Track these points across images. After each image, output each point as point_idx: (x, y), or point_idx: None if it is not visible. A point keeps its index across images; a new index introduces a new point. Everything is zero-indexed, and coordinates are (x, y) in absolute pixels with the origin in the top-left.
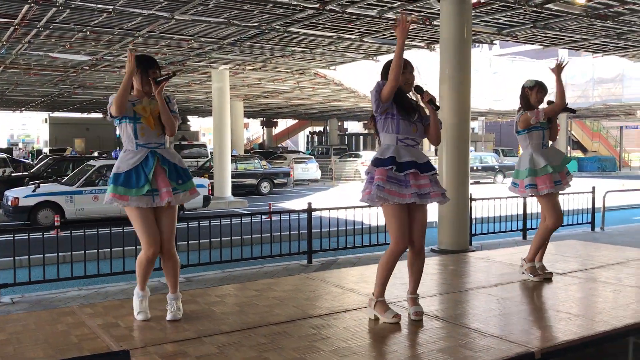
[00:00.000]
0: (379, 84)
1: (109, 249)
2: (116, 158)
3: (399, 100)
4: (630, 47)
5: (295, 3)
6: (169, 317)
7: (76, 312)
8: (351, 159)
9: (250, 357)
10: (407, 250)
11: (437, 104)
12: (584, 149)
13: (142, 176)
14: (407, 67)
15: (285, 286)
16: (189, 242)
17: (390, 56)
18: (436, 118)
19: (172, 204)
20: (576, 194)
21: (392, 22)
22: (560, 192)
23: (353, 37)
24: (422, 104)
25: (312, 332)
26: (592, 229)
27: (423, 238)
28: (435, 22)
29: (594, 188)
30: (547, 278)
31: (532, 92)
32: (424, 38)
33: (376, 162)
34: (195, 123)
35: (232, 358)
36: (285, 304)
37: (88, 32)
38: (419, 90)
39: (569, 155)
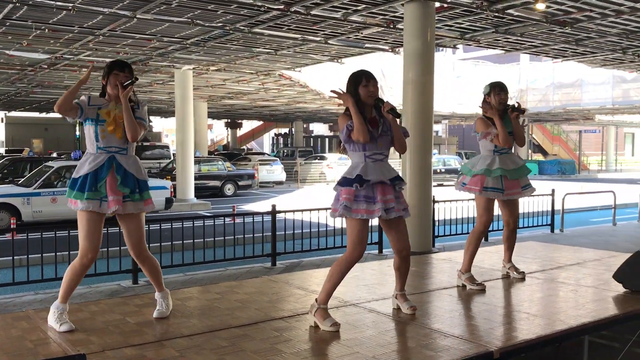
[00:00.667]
0: (348, 127)
1: (67, 252)
2: (76, 159)
3: (363, 116)
4: (587, 53)
5: (259, 4)
6: (155, 314)
7: (31, 316)
8: (316, 161)
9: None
10: (395, 255)
11: (398, 112)
12: (544, 152)
13: (95, 182)
14: (370, 80)
15: (248, 288)
16: (150, 244)
17: (355, 59)
18: (398, 126)
19: (119, 212)
20: (536, 197)
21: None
22: (497, 198)
23: (318, 39)
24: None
25: (274, 335)
26: (552, 231)
27: (408, 245)
28: (399, 26)
29: (553, 191)
30: (522, 277)
31: (490, 97)
32: (388, 41)
33: (343, 182)
34: (157, 124)
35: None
36: (247, 306)
37: (47, 30)
38: (379, 101)
39: (526, 165)
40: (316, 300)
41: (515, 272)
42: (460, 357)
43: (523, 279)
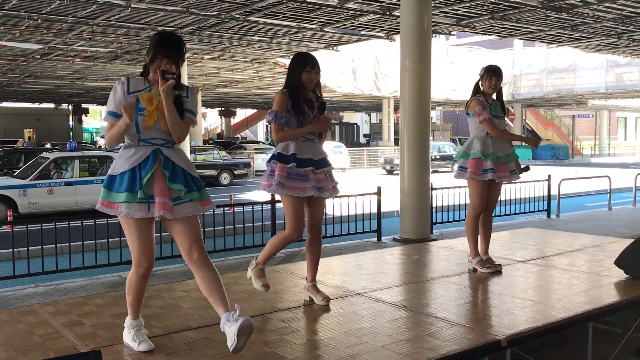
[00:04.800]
0: (275, 115)
1: (67, 244)
2: (71, 150)
3: (298, 99)
4: (583, 39)
5: None
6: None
7: (37, 310)
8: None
9: (220, 353)
10: (307, 234)
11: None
12: (538, 138)
13: (137, 180)
14: (314, 67)
15: None
16: None
17: (350, 46)
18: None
19: (168, 218)
20: (532, 182)
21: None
22: (491, 181)
23: (314, 26)
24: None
25: (282, 326)
26: (548, 216)
27: (321, 223)
28: (395, 13)
29: (549, 176)
30: (498, 270)
31: (483, 79)
32: (384, 28)
33: (279, 157)
34: None
35: (202, 354)
36: (253, 297)
37: (40, 20)
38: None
39: (514, 152)
40: (255, 258)
41: (490, 265)
42: (469, 345)
43: (500, 272)
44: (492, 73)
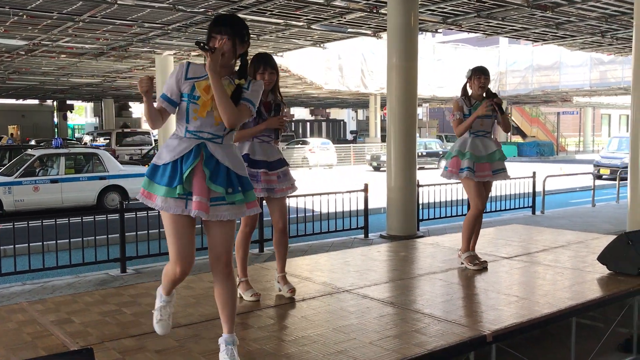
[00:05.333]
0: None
1: (54, 242)
2: (57, 147)
3: None
4: (567, 37)
5: None
6: None
7: (26, 308)
8: (299, 145)
9: (210, 350)
10: (275, 231)
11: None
12: (523, 134)
13: (178, 174)
14: (267, 69)
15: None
16: (138, 232)
17: (337, 43)
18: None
19: (204, 219)
20: (517, 179)
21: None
22: (486, 181)
23: (301, 24)
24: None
25: (271, 322)
26: (533, 213)
27: (286, 219)
28: (382, 11)
29: (534, 173)
30: (484, 267)
31: (471, 81)
32: (371, 26)
33: None
34: (137, 110)
35: (192, 351)
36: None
37: (25, 17)
38: (492, 95)
39: (499, 150)
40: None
41: (478, 262)
42: (455, 341)
43: (485, 269)
44: (480, 72)
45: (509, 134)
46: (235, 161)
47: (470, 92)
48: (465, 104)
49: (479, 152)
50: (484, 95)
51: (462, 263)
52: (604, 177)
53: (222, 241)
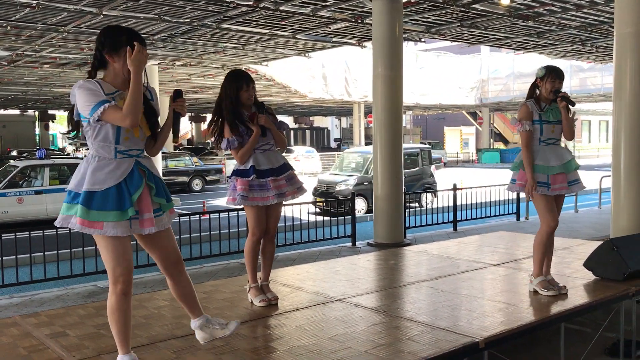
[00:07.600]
0: (229, 142)
1: (41, 254)
2: (41, 158)
3: (241, 119)
4: (548, 45)
5: (229, 0)
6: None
7: (19, 322)
8: (283, 154)
9: None
10: (262, 238)
11: (572, 100)
12: (505, 141)
13: (126, 196)
14: (249, 85)
15: (232, 287)
16: None
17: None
18: (567, 116)
19: (150, 232)
20: (501, 186)
21: (326, 19)
22: (558, 194)
23: (286, 34)
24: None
25: (266, 333)
26: (518, 219)
27: (276, 227)
28: (367, 21)
29: None
30: (561, 293)
31: (544, 82)
32: (355, 36)
33: (238, 173)
34: None
35: None
36: (236, 305)
37: (9, 27)
38: (556, 93)
39: (573, 159)
40: (248, 281)
41: (553, 287)
42: (448, 348)
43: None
44: (556, 75)
45: (491, 140)
46: (157, 170)
47: (537, 92)
48: (535, 109)
49: (549, 163)
50: (554, 97)
51: (533, 290)
52: None
53: (174, 247)
